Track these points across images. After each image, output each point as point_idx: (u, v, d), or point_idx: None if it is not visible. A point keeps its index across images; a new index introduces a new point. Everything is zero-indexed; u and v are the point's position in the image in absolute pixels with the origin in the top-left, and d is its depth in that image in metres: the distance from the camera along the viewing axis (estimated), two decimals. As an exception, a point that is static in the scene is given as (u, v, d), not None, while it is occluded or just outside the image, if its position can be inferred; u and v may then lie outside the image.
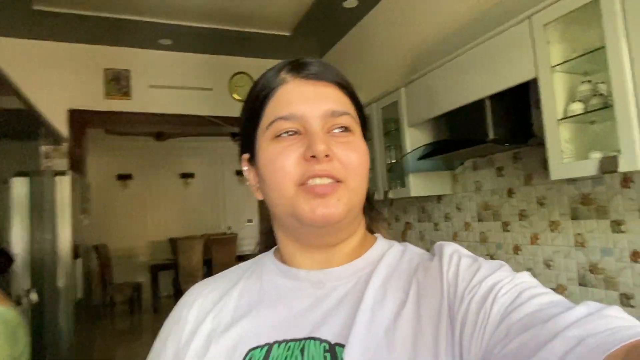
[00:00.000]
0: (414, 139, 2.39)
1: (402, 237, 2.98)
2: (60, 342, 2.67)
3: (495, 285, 0.43)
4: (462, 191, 2.42)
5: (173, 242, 6.89)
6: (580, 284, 1.78)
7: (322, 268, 0.54)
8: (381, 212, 0.67)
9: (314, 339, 0.48)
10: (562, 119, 1.56)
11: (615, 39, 1.34)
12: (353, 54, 3.55)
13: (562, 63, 1.57)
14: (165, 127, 6.57)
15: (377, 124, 2.68)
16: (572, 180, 1.81)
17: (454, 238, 2.50)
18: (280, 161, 0.50)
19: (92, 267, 4.04)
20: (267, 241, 0.65)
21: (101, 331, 5.41)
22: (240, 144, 0.59)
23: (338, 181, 0.50)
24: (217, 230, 7.72)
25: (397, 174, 2.56)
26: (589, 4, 1.42)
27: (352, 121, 0.53)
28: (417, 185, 2.40)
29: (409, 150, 2.36)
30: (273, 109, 0.52)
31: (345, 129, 0.52)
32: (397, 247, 0.58)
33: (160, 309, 6.38)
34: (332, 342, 0.47)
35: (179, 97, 3.76)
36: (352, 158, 0.51)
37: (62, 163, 3.30)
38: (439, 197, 2.59)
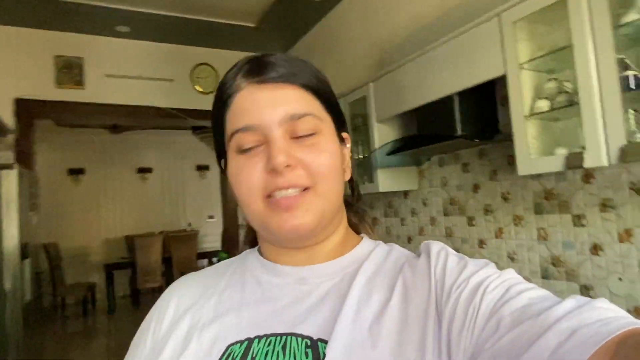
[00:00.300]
0: (382, 134, 2.39)
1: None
2: (7, 347, 2.48)
3: (483, 281, 0.43)
4: (428, 187, 2.45)
5: (129, 240, 6.63)
6: (542, 277, 1.84)
7: (305, 265, 0.53)
8: (365, 211, 0.65)
9: (295, 334, 0.47)
10: (529, 116, 1.60)
11: (582, 37, 1.38)
12: (320, 48, 3.51)
13: (529, 61, 1.60)
14: (122, 119, 6.29)
15: (345, 119, 2.66)
16: (536, 176, 1.86)
17: (420, 233, 2.52)
18: (244, 175, 0.49)
19: (42, 267, 3.80)
20: (253, 236, 0.65)
21: (52, 335, 5.12)
22: (215, 147, 0.57)
23: (305, 189, 0.48)
24: (177, 227, 7.50)
25: (365, 169, 2.55)
26: (556, 3, 1.45)
27: (317, 121, 0.50)
28: (385, 180, 2.40)
29: (377, 146, 2.35)
30: (231, 119, 0.51)
31: (311, 131, 0.50)
32: (383, 246, 0.57)
33: (117, 310, 6.12)
34: (315, 338, 0.47)
35: (137, 88, 3.59)
36: (318, 162, 0.49)
37: (7, 156, 3.07)
38: (406, 193, 2.61)
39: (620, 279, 1.56)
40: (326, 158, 0.49)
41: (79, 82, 3.36)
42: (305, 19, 3.46)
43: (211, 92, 3.86)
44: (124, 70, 3.54)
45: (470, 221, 2.19)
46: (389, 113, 2.30)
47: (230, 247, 3.86)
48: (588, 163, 1.37)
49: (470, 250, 2.19)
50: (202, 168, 7.95)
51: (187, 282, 0.59)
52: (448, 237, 2.32)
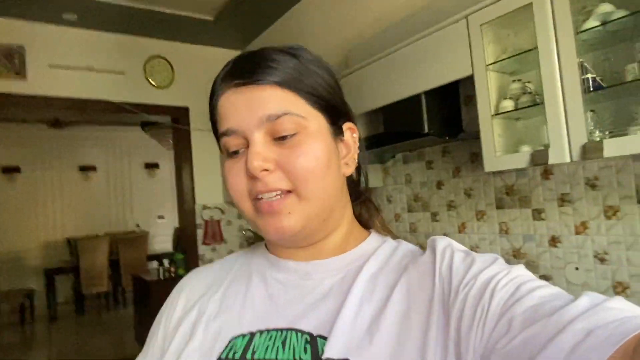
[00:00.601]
0: (349, 131, 2.40)
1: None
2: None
3: (492, 278, 0.42)
4: (392, 184, 2.49)
5: (72, 243, 6.23)
6: (504, 269, 1.93)
7: (309, 260, 0.53)
8: (375, 206, 0.64)
9: (296, 330, 0.48)
10: (494, 115, 1.67)
11: (546, 41, 1.45)
12: (287, 42, 3.46)
13: (495, 62, 1.67)
14: (68, 114, 5.88)
15: (309, 116, 2.66)
16: (498, 173, 1.94)
17: (385, 229, 2.57)
18: (231, 179, 0.50)
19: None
20: None
21: (-16, 347, 4.71)
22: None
23: (288, 191, 0.48)
24: (124, 228, 7.14)
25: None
26: (522, 7, 1.52)
27: (299, 119, 0.48)
28: (352, 177, 2.42)
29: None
30: (218, 122, 0.52)
31: (292, 131, 0.48)
32: (389, 243, 0.56)
33: (58, 317, 5.73)
34: (314, 334, 0.47)
35: (85, 80, 3.37)
36: (298, 164, 0.47)
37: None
38: (370, 190, 2.64)
39: (577, 268, 1.67)
40: (307, 159, 0.47)
41: (19, 73, 3.10)
42: (265, 14, 3.41)
43: (166, 86, 3.70)
44: (71, 61, 3.31)
45: (434, 217, 2.26)
46: (356, 111, 2.31)
47: (187, 248, 3.73)
48: (552, 160, 1.45)
49: (434, 245, 2.25)
50: (150, 166, 7.62)
51: (196, 276, 0.61)
52: (412, 232, 2.38)
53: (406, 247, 0.55)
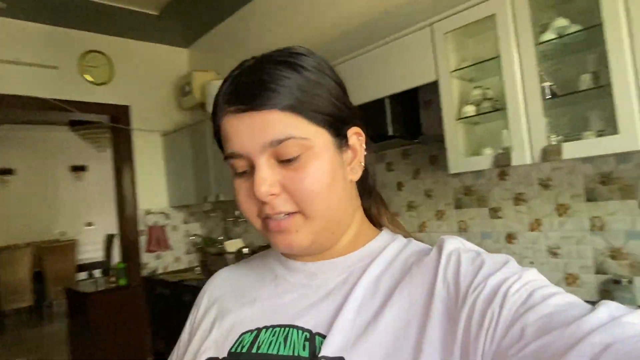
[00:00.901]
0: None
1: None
2: None
3: (502, 283, 0.41)
4: (353, 185, 2.52)
5: (-13, 254, 5.59)
6: (463, 265, 2.03)
7: (316, 260, 0.55)
8: (383, 203, 0.63)
9: (296, 327, 0.50)
10: (458, 120, 1.75)
11: (509, 50, 1.55)
12: (235, 42, 3.38)
13: (458, 69, 1.75)
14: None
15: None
16: (456, 174, 2.04)
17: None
18: (241, 199, 0.52)
19: None
20: None
21: None
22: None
23: (294, 213, 0.49)
24: (49, 237, 6.54)
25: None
26: (485, 18, 1.61)
27: (302, 142, 0.48)
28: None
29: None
30: (223, 142, 0.52)
31: (295, 154, 0.48)
32: (399, 241, 0.56)
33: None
34: (313, 332, 0.49)
35: (12, 74, 3.05)
36: (302, 188, 0.48)
37: None
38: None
39: (531, 262, 1.80)
40: (312, 182, 0.48)
41: None
42: (214, 12, 3.30)
43: (104, 82, 3.45)
44: (-6, 53, 2.98)
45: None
46: (317, 113, 2.32)
47: (129, 256, 3.49)
48: (515, 162, 1.56)
49: (394, 244, 2.31)
50: (78, 169, 7.07)
51: (220, 276, 0.66)
52: (373, 233, 2.43)
53: (415, 246, 0.55)
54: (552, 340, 0.34)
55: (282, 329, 0.51)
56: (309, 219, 0.49)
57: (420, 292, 0.46)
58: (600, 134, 1.44)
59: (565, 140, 1.49)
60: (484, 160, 1.66)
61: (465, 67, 1.74)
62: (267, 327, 0.52)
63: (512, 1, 1.54)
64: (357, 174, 0.55)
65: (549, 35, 1.51)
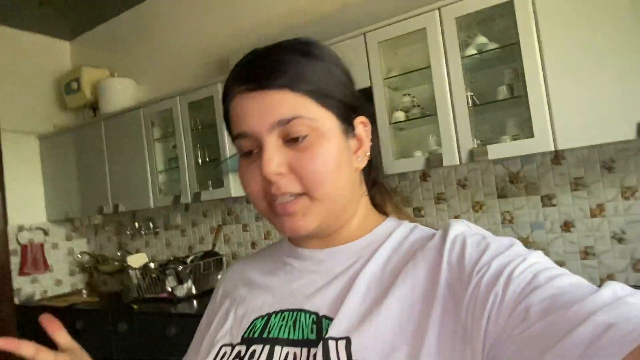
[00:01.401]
0: (234, 137, 2.31)
1: (202, 242, 2.80)
2: None
3: (507, 265, 0.42)
4: (276, 190, 2.49)
5: None
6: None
7: (324, 247, 0.56)
8: (387, 190, 0.64)
9: (304, 310, 0.52)
10: (390, 124, 1.86)
11: (439, 61, 1.71)
12: (138, 35, 3.08)
13: (389, 77, 1.87)
14: None
15: (183, 119, 2.45)
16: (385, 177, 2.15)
17: (267, 237, 2.54)
18: (246, 180, 0.52)
19: None
20: None
21: None
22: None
23: (300, 194, 0.49)
24: None
25: (211, 173, 2.40)
26: (416, 31, 1.76)
27: (310, 122, 0.49)
28: (237, 186, 2.32)
29: (227, 148, 2.26)
30: (232, 124, 0.53)
31: (303, 133, 0.49)
32: (405, 227, 0.56)
33: None
34: (320, 314, 0.50)
35: None
36: (310, 168, 0.48)
37: None
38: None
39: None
40: (318, 163, 0.48)
41: None
42: (104, 6, 3.00)
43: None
44: None
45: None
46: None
47: (0, 281, 2.90)
48: (446, 162, 1.71)
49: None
50: None
51: (234, 267, 0.68)
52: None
53: (421, 231, 0.55)
54: (556, 320, 0.35)
55: (291, 313, 0.52)
56: (315, 201, 0.49)
57: (424, 275, 0.47)
58: (515, 138, 1.66)
59: (488, 144, 1.69)
60: (417, 162, 1.79)
61: (396, 76, 1.87)
62: (276, 312, 0.54)
63: (441, 17, 1.70)
64: (362, 163, 0.55)
65: (471, 50, 1.71)
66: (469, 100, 1.69)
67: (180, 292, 2.38)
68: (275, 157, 0.48)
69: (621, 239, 1.66)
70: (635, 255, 1.64)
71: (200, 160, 2.44)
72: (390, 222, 0.57)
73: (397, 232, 0.55)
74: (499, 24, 1.70)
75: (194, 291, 2.39)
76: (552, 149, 1.51)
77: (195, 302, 2.32)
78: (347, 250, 0.55)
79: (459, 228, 0.50)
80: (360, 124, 0.55)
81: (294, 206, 0.49)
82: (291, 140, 0.48)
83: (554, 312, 0.35)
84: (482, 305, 0.40)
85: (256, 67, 0.50)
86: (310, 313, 0.51)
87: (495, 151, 1.63)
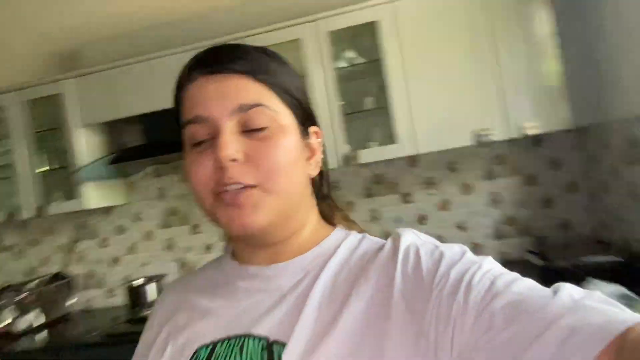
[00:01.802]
0: (89, 142, 2.05)
1: (46, 264, 2.40)
2: None
3: (464, 274, 0.42)
4: (142, 199, 2.29)
5: None
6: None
7: (271, 263, 0.53)
8: (334, 201, 0.63)
9: (252, 335, 0.47)
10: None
11: (315, 71, 1.81)
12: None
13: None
14: None
15: (18, 121, 2.07)
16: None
17: (130, 252, 2.31)
18: (195, 171, 0.48)
19: None
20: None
21: None
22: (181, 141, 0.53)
23: (252, 186, 0.46)
24: None
25: (59, 184, 2.08)
26: (290, 41, 1.83)
27: (271, 113, 0.48)
28: (94, 196, 2.06)
29: (80, 155, 2.00)
30: (184, 111, 0.50)
31: (264, 124, 0.48)
32: (353, 238, 0.55)
33: None
34: (270, 339, 0.46)
35: None
36: (269, 158, 0.47)
37: None
38: (108, 209, 2.31)
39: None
40: (279, 154, 0.47)
41: None
42: None
43: None
44: None
45: (195, 229, 2.25)
46: (101, 117, 2.01)
47: None
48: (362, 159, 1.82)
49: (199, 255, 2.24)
50: None
51: (171, 290, 0.61)
52: (169, 249, 2.27)
53: (369, 241, 0.54)
54: (522, 328, 0.36)
55: (238, 339, 0.48)
56: (267, 195, 0.47)
57: (378, 290, 0.46)
58: (381, 143, 1.86)
59: (358, 149, 1.85)
60: (335, 159, 1.84)
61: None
62: (222, 340, 0.49)
63: (316, 30, 1.80)
64: (314, 171, 0.55)
65: (341, 63, 1.85)
66: (342, 109, 1.83)
67: (22, 324, 2.01)
68: (232, 142, 0.45)
69: (464, 227, 2.00)
70: (474, 240, 1.99)
71: (43, 169, 2.10)
72: (338, 233, 0.55)
73: (346, 243, 0.53)
74: (366, 40, 1.87)
75: (43, 320, 2.05)
76: (415, 152, 1.75)
77: (46, 333, 1.99)
78: (295, 264, 0.52)
79: (409, 238, 0.50)
80: (314, 133, 0.55)
81: (244, 197, 0.45)
82: (250, 131, 0.46)
83: (518, 320, 0.36)
84: (446, 315, 0.40)
85: (220, 52, 0.49)
86: (260, 338, 0.46)
87: (366, 155, 1.80)
